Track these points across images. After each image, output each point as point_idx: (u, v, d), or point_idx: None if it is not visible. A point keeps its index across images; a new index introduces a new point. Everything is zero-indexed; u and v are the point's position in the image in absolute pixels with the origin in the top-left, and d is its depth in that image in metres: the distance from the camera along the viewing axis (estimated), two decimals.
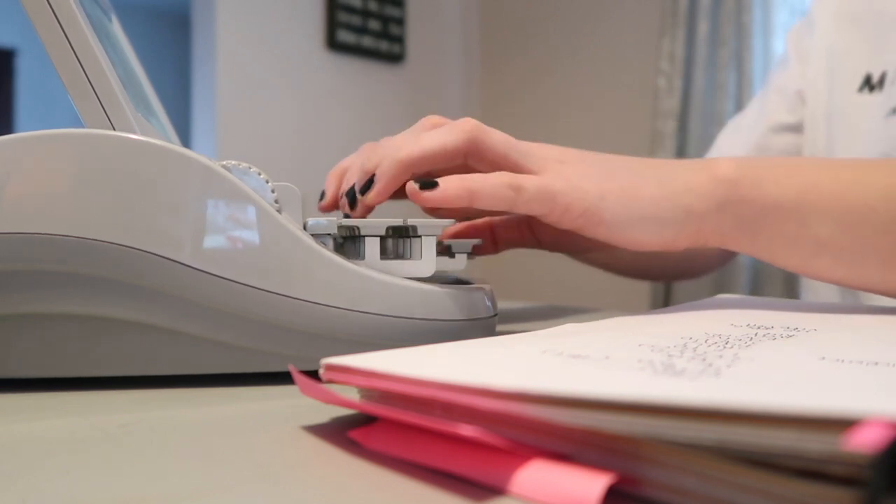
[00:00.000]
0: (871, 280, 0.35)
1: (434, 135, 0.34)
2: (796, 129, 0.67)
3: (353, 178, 0.37)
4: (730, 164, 0.35)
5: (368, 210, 0.36)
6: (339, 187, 0.42)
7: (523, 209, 0.32)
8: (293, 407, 0.24)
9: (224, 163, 0.29)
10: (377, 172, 0.34)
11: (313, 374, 0.21)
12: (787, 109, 0.67)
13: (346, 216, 0.37)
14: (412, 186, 0.32)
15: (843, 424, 0.13)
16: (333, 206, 0.42)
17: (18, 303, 0.26)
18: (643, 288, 2.01)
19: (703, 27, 1.93)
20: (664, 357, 0.20)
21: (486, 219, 0.44)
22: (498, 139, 0.34)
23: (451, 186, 0.32)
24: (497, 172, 0.32)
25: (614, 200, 0.33)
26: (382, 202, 0.35)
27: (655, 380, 0.17)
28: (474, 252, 0.40)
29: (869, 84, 0.59)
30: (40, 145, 0.26)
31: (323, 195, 0.43)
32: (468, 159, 0.34)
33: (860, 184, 0.34)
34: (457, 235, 0.43)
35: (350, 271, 0.29)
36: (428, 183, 0.32)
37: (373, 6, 2.42)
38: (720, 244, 0.35)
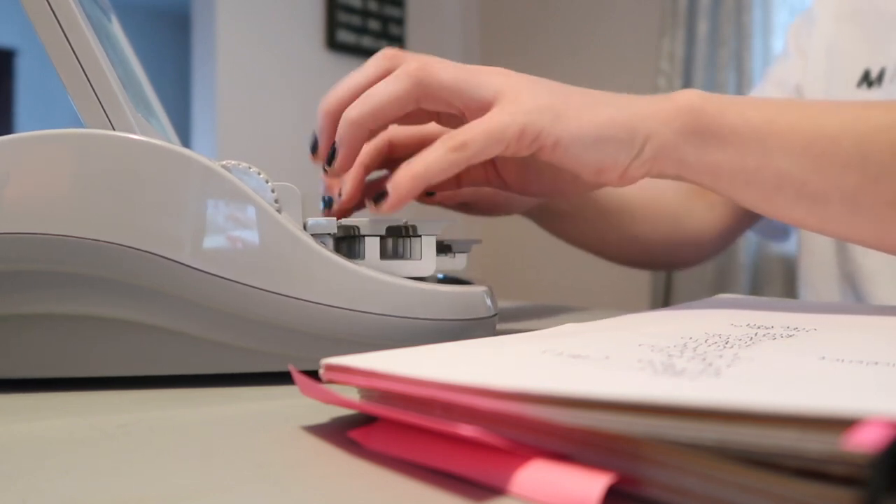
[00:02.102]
0: (834, 222, 0.33)
1: (381, 86, 0.33)
2: None
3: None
4: (693, 93, 0.34)
5: (342, 172, 0.35)
6: (330, 138, 0.37)
7: (481, 159, 0.32)
8: (293, 407, 0.24)
9: (224, 163, 0.29)
10: (336, 140, 0.33)
11: (313, 374, 0.21)
12: None
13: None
14: (371, 204, 0.32)
15: (843, 424, 0.13)
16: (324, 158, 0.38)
17: (18, 303, 0.26)
18: (643, 288, 2.01)
19: (702, 27, 1.93)
20: (664, 357, 0.20)
21: None
22: (447, 77, 0.32)
23: (400, 185, 0.31)
24: (436, 141, 0.31)
25: (570, 119, 0.32)
26: (349, 166, 0.34)
27: (655, 380, 0.17)
28: (438, 191, 0.38)
29: (867, 80, 0.59)
30: (40, 145, 0.26)
31: (314, 147, 0.38)
32: (421, 104, 0.33)
33: (826, 116, 0.33)
34: None
35: (350, 271, 0.29)
36: (379, 194, 0.31)
37: (373, 6, 2.42)
38: (677, 174, 0.34)
